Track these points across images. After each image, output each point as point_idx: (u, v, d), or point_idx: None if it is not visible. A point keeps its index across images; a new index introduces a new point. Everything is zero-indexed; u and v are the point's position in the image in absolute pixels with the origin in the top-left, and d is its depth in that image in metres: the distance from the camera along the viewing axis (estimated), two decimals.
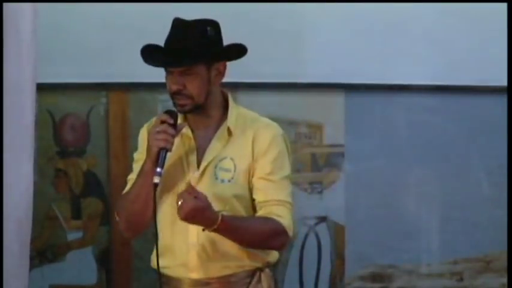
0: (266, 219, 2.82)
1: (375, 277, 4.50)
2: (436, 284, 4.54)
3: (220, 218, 2.70)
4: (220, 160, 2.85)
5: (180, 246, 2.84)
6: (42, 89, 3.57)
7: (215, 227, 2.69)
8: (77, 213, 4.31)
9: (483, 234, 4.54)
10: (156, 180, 2.72)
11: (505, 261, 4.44)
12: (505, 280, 4.39)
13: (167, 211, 2.85)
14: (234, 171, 2.84)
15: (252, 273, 2.90)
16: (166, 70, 2.87)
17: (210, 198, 2.73)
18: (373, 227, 4.47)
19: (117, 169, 4.27)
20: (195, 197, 2.65)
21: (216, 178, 2.83)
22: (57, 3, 4.07)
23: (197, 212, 2.66)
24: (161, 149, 2.73)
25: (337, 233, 4.45)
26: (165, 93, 4.28)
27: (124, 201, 2.90)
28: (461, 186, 4.54)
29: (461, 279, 4.57)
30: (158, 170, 2.72)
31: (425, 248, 4.54)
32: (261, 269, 2.91)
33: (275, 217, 2.82)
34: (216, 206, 2.74)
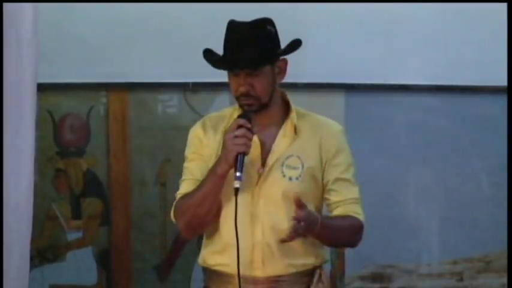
0: (349, 218, 2.90)
1: (375, 277, 4.50)
2: (436, 284, 4.54)
3: (319, 218, 2.75)
4: (287, 158, 2.86)
5: (245, 244, 2.81)
6: (42, 89, 3.56)
7: (318, 227, 2.73)
8: (77, 213, 4.31)
9: (483, 234, 4.53)
10: (237, 185, 2.72)
11: (505, 261, 4.44)
12: (505, 280, 4.39)
13: (230, 208, 2.83)
14: (302, 169, 2.86)
15: (312, 271, 2.91)
16: (230, 72, 2.85)
17: (278, 196, 2.80)
18: (373, 226, 4.44)
19: (117, 169, 4.27)
20: (301, 208, 2.68)
21: (284, 176, 2.85)
22: (57, 3, 4.07)
23: (310, 217, 2.70)
24: (240, 153, 2.73)
25: None
26: (165, 93, 4.32)
27: (187, 203, 2.86)
28: (461, 186, 4.54)
29: (461, 279, 4.56)
30: (238, 174, 2.72)
31: (425, 248, 4.54)
32: (321, 267, 2.93)
33: (353, 214, 2.90)
34: (283, 204, 2.80)
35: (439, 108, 4.50)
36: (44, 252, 4.27)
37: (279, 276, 2.85)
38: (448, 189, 4.53)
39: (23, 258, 3.29)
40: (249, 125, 2.77)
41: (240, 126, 2.76)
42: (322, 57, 4.30)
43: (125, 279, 4.33)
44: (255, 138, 2.86)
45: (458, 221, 4.53)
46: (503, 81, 4.07)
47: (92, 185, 4.30)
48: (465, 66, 4.42)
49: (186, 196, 2.88)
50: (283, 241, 2.72)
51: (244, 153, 2.74)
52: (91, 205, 4.31)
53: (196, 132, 2.95)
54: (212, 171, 2.79)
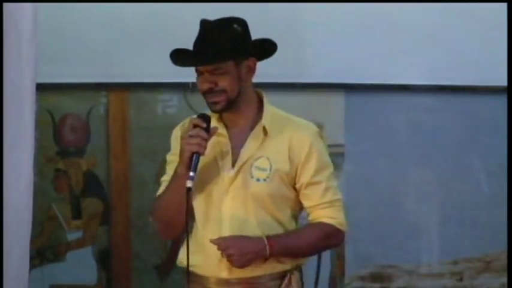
0: (319, 225, 2.88)
1: (375, 277, 4.50)
2: (436, 284, 4.54)
3: (265, 238, 2.77)
4: (256, 159, 2.85)
5: (213, 245, 2.82)
6: (42, 89, 3.57)
7: (267, 250, 2.76)
8: (77, 213, 4.31)
9: (483, 234, 4.53)
10: (189, 184, 2.72)
11: (505, 261, 4.44)
12: (505, 280, 4.39)
13: (201, 210, 2.86)
14: (270, 170, 2.85)
15: (282, 275, 2.90)
16: (196, 71, 2.85)
17: (246, 197, 2.80)
18: (373, 227, 4.46)
19: (117, 169, 4.27)
20: (228, 245, 2.73)
21: (252, 177, 2.84)
22: (57, 3, 4.07)
23: (243, 248, 2.73)
24: (194, 153, 2.74)
25: None
26: (165, 93, 4.32)
27: (158, 204, 2.90)
28: (461, 186, 4.54)
29: (461, 279, 4.56)
30: (191, 174, 2.72)
31: (425, 248, 4.54)
32: (291, 272, 2.91)
33: (325, 220, 2.88)
34: (251, 205, 2.80)
35: (439, 108, 4.50)
36: (44, 252, 4.27)
37: (247, 278, 2.84)
38: (448, 189, 4.53)
39: (23, 258, 3.29)
40: (204, 125, 2.77)
41: (195, 126, 2.77)
42: (322, 57, 4.30)
43: (124, 279, 4.33)
44: (227, 139, 2.87)
45: (458, 221, 4.53)
46: (503, 81, 4.07)
47: (92, 185, 4.30)
48: (465, 66, 4.42)
49: (158, 197, 2.92)
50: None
51: (199, 153, 2.74)
52: (91, 205, 4.31)
53: (175, 133, 2.98)
54: (174, 172, 2.81)
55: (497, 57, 4.21)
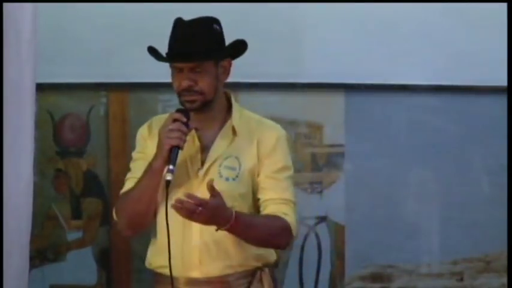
0: (274, 217, 2.84)
1: (375, 277, 4.50)
2: (436, 284, 4.54)
3: (234, 214, 2.72)
4: (225, 159, 2.86)
5: (183, 244, 2.83)
6: (42, 89, 3.57)
7: (230, 224, 2.70)
8: (77, 213, 4.31)
9: (483, 234, 4.53)
10: (169, 177, 2.71)
11: (505, 261, 4.44)
12: (505, 280, 4.39)
13: (169, 210, 2.85)
14: (239, 169, 2.86)
15: (253, 272, 2.90)
16: (173, 68, 2.86)
17: None
18: (373, 227, 4.46)
19: (117, 169, 4.27)
20: (213, 196, 2.67)
21: (221, 176, 2.85)
22: (57, 3, 4.07)
23: (218, 211, 2.67)
24: (174, 146, 2.74)
25: (337, 233, 4.45)
26: (165, 93, 4.33)
27: (125, 200, 2.89)
28: (461, 186, 4.54)
29: (461, 279, 4.56)
30: (171, 167, 2.72)
31: (425, 248, 4.54)
32: (261, 269, 2.92)
33: (281, 215, 2.84)
34: None
35: (439, 108, 4.50)
36: (44, 252, 4.27)
37: (217, 277, 2.85)
38: (448, 189, 4.53)
39: (23, 258, 3.29)
40: (184, 119, 2.78)
41: (175, 120, 2.77)
42: (322, 57, 4.30)
43: (124, 279, 4.33)
44: (195, 140, 2.87)
45: (458, 221, 4.53)
46: (503, 81, 4.06)
47: (92, 185, 4.30)
48: (465, 66, 4.42)
49: (125, 194, 2.90)
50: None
51: (179, 147, 2.74)
52: (91, 205, 4.31)
53: (142, 132, 2.98)
54: (148, 166, 2.80)
55: (497, 57, 4.21)
